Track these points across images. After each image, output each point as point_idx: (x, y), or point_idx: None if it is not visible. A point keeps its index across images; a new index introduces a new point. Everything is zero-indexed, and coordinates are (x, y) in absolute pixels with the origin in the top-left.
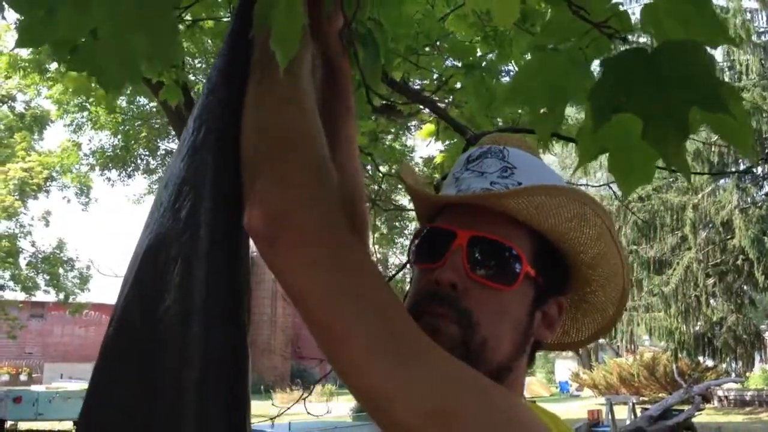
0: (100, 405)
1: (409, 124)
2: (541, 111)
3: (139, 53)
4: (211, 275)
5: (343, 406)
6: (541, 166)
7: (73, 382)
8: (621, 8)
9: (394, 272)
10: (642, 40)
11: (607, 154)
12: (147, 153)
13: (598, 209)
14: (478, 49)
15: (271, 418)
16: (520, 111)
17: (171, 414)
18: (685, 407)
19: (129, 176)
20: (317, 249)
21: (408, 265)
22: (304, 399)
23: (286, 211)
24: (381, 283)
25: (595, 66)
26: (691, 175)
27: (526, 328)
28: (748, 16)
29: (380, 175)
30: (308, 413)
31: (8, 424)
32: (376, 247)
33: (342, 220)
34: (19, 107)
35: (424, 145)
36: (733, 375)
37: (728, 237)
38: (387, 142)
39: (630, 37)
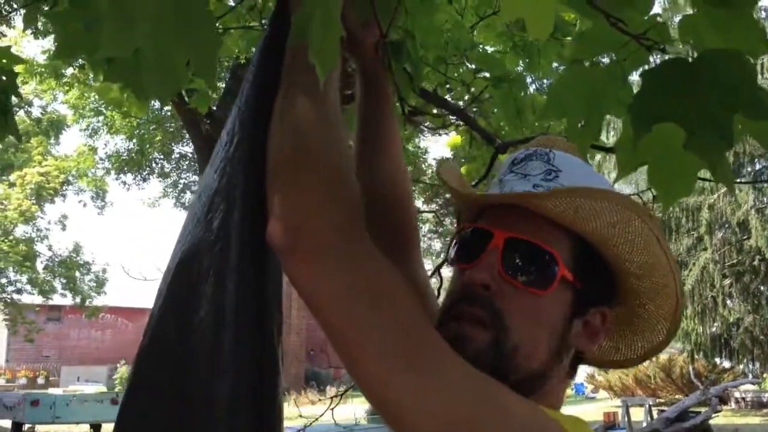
0: (134, 413)
1: (422, 127)
2: (579, 124)
3: (181, 68)
4: (240, 287)
5: (358, 408)
6: (588, 170)
7: (89, 384)
8: (659, 19)
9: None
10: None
11: (646, 166)
12: (161, 157)
13: (645, 216)
14: (507, 60)
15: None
16: (551, 122)
17: (203, 425)
18: (702, 409)
19: (144, 180)
20: (333, 258)
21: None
22: (332, 403)
23: (303, 222)
24: (399, 290)
25: (633, 77)
26: (734, 185)
27: (563, 335)
28: None
29: None
30: (335, 422)
31: (26, 427)
32: None
33: (361, 228)
34: (36, 112)
35: (437, 147)
36: (750, 376)
37: (744, 237)
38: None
39: (668, 47)
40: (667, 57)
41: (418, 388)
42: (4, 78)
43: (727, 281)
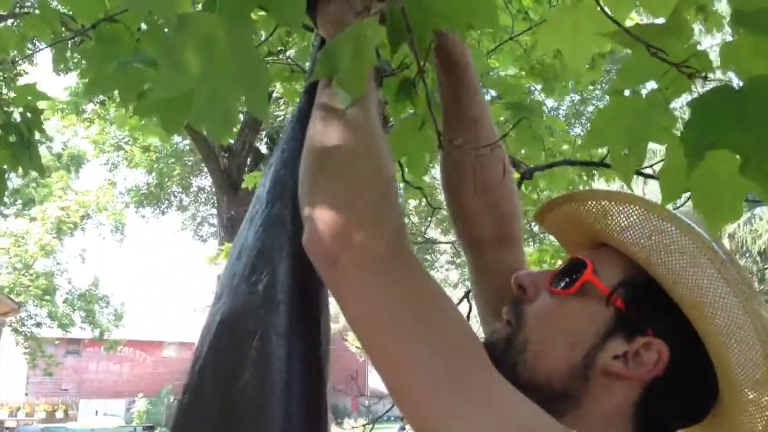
0: None
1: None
2: (623, 152)
3: (234, 107)
4: (291, 353)
5: None
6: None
7: (107, 417)
8: (699, 47)
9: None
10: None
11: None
12: (180, 190)
13: (683, 226)
14: (524, 81)
15: None
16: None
17: None
18: None
19: (163, 213)
20: (382, 271)
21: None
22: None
23: (351, 230)
24: (448, 309)
25: (675, 104)
26: None
27: (590, 352)
28: None
29: (410, 208)
30: None
31: None
32: None
33: (407, 243)
34: (57, 147)
35: None
36: None
37: (766, 266)
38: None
39: (710, 75)
40: (710, 84)
41: (466, 416)
42: (29, 114)
43: None
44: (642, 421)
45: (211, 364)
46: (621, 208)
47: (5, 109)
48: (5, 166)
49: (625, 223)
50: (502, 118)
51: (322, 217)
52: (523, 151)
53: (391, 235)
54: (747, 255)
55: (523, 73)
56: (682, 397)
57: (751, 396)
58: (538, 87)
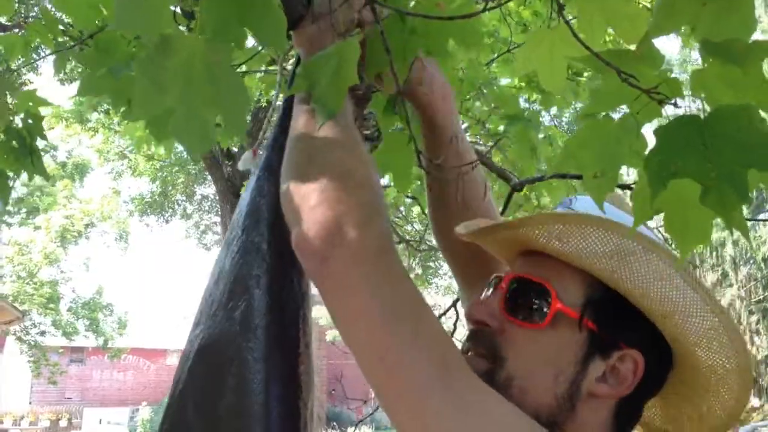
0: None
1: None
2: (596, 175)
3: (211, 125)
4: (269, 379)
5: None
6: (606, 208)
7: (111, 426)
8: (670, 75)
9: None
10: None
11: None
12: (184, 198)
13: (646, 243)
14: (524, 93)
15: None
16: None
17: None
18: None
19: (167, 221)
20: (373, 270)
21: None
22: None
23: (342, 229)
24: (430, 312)
25: (646, 128)
26: (749, 233)
27: (574, 380)
28: None
29: (413, 215)
30: None
31: None
32: None
33: (393, 244)
34: (61, 156)
35: None
36: None
37: None
38: (419, 182)
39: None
40: (680, 111)
41: (460, 422)
42: (30, 121)
43: (754, 317)
44: (621, 421)
45: (191, 392)
46: (578, 230)
47: (10, 117)
48: (9, 172)
49: (584, 244)
50: (501, 128)
51: (312, 217)
52: (519, 165)
53: (380, 235)
54: (751, 261)
55: (522, 84)
56: (653, 389)
57: (714, 379)
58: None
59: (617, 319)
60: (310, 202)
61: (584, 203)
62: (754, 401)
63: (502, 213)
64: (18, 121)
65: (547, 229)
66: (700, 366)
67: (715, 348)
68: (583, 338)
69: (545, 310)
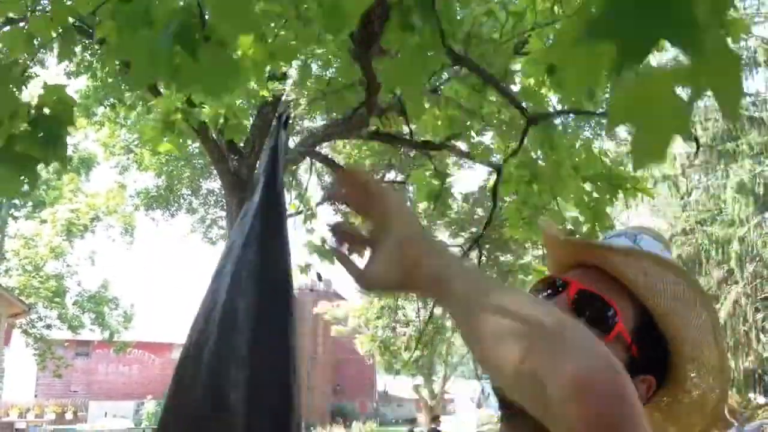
0: None
1: (447, 161)
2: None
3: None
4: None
5: None
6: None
7: (116, 419)
8: None
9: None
10: None
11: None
12: (190, 193)
13: (705, 298)
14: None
15: None
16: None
17: None
18: None
19: (172, 215)
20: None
21: None
22: None
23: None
24: None
25: None
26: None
27: None
28: None
29: (419, 211)
30: None
31: None
32: None
33: None
34: (67, 150)
35: (462, 182)
36: None
37: None
38: (425, 180)
39: None
40: None
41: None
42: (60, 108)
43: (759, 315)
44: None
45: (175, 396)
46: (661, 272)
47: (30, 110)
48: (37, 158)
49: (660, 285)
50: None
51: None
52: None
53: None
54: (757, 259)
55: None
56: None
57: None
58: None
59: (652, 351)
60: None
61: (649, 243)
62: (760, 399)
63: (517, 150)
64: (46, 110)
65: (641, 264)
66: (692, 392)
67: (709, 384)
68: (625, 358)
69: (611, 325)
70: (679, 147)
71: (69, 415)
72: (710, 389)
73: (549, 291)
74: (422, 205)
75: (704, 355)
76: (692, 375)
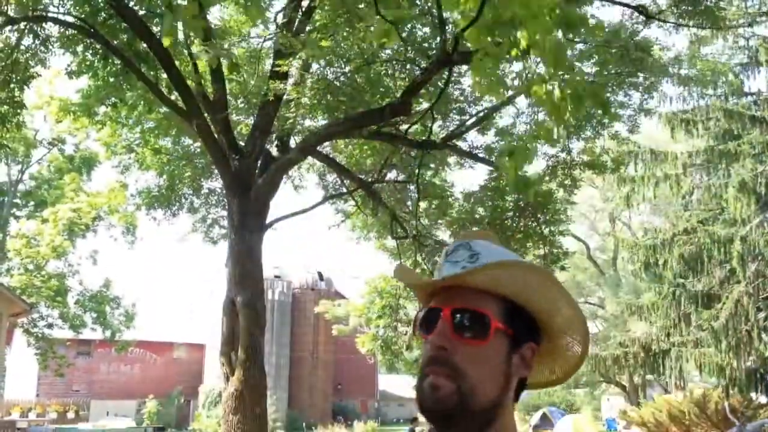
0: None
1: (448, 160)
2: None
3: None
4: None
5: None
6: (499, 249)
7: (118, 419)
8: None
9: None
10: None
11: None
12: (191, 192)
13: (541, 274)
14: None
15: None
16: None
17: None
18: None
19: (173, 215)
20: None
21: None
22: None
23: None
24: None
25: None
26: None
27: (506, 371)
28: None
29: (420, 211)
30: None
31: None
32: None
33: None
34: (69, 149)
35: (463, 180)
36: None
37: None
38: (427, 178)
39: None
40: None
41: None
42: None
43: (762, 314)
44: (518, 390)
45: None
46: (507, 273)
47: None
48: None
49: (511, 281)
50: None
51: None
52: None
53: None
54: (759, 258)
55: None
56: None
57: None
58: None
59: (523, 323)
60: None
61: (481, 245)
62: (762, 398)
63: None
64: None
65: (489, 275)
66: (562, 342)
67: (572, 330)
68: (507, 342)
69: (487, 329)
70: (680, 146)
71: (71, 414)
72: (574, 339)
73: (428, 320)
74: (423, 204)
75: (562, 315)
76: (555, 324)
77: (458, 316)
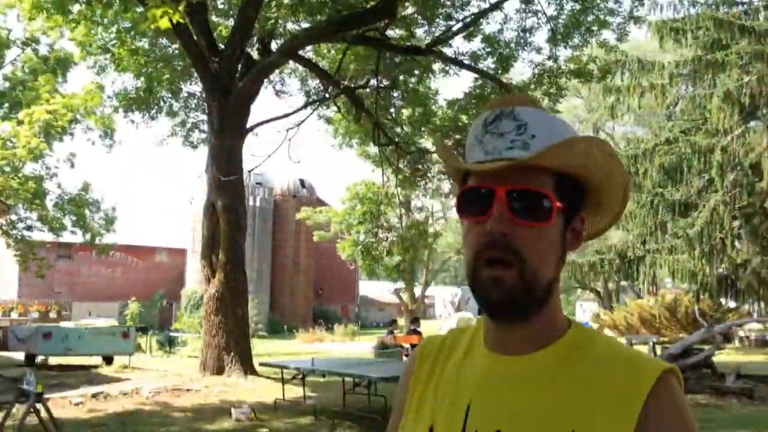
0: None
1: (433, 67)
2: None
3: None
4: None
5: (365, 345)
6: (547, 116)
7: (101, 319)
8: None
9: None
10: None
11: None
12: (170, 95)
13: (607, 148)
14: None
15: None
16: None
17: None
18: (706, 347)
19: (152, 118)
20: None
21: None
22: None
23: None
24: None
25: None
26: None
27: (562, 248)
28: None
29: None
30: None
31: (39, 359)
32: (399, 189)
33: None
34: (43, 50)
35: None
36: (755, 316)
37: (756, 179)
38: (411, 85)
39: None
40: None
41: None
42: None
43: (736, 223)
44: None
45: None
46: (564, 149)
47: None
48: None
49: (569, 157)
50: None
51: None
52: None
53: None
54: (738, 168)
55: None
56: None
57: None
58: None
59: (575, 198)
60: None
61: (527, 113)
62: (731, 303)
63: None
64: None
65: (564, 155)
66: (600, 209)
67: (615, 200)
68: (563, 218)
69: (549, 210)
70: (668, 56)
71: (53, 314)
72: (617, 188)
73: (478, 201)
74: (406, 111)
75: (613, 186)
76: (603, 186)
77: (516, 197)
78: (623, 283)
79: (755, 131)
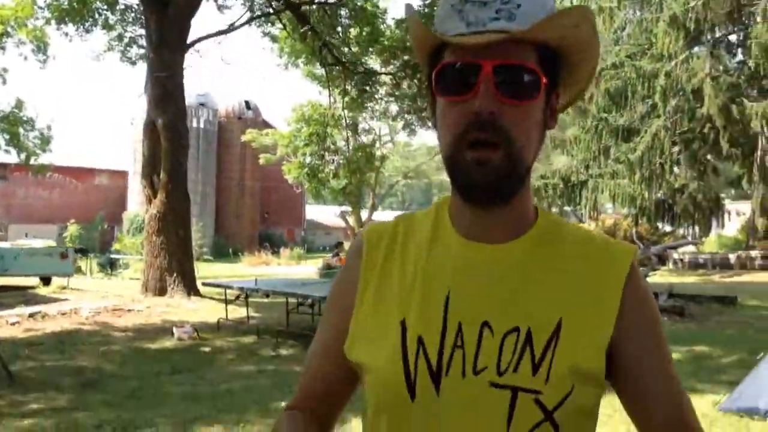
0: None
1: None
2: None
3: None
4: None
5: (311, 268)
6: None
7: (38, 240)
8: None
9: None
10: None
11: None
12: (105, 7)
13: (593, 19)
14: None
15: None
16: None
17: None
18: (642, 268)
19: (87, 31)
20: None
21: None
22: None
23: None
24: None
25: None
26: None
27: (544, 125)
28: None
29: (351, 37)
30: None
31: None
32: (346, 111)
33: None
34: None
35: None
36: (690, 239)
37: (697, 105)
38: (358, 2)
39: None
40: None
41: None
42: None
43: (676, 148)
44: None
45: None
46: (551, 21)
47: None
48: None
49: (556, 28)
50: None
51: None
52: None
53: None
54: (681, 93)
55: None
56: None
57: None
58: None
59: (554, 70)
60: None
61: None
62: (667, 227)
63: None
64: None
65: (560, 26)
66: (581, 76)
67: (588, 72)
68: (545, 94)
69: (537, 87)
70: None
71: None
72: (590, 61)
73: (461, 77)
74: (354, 31)
75: (589, 59)
76: (577, 60)
77: (503, 73)
78: (566, 208)
79: (699, 56)
